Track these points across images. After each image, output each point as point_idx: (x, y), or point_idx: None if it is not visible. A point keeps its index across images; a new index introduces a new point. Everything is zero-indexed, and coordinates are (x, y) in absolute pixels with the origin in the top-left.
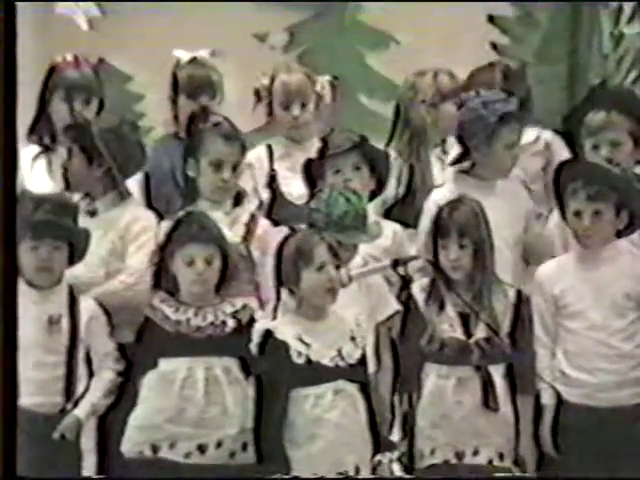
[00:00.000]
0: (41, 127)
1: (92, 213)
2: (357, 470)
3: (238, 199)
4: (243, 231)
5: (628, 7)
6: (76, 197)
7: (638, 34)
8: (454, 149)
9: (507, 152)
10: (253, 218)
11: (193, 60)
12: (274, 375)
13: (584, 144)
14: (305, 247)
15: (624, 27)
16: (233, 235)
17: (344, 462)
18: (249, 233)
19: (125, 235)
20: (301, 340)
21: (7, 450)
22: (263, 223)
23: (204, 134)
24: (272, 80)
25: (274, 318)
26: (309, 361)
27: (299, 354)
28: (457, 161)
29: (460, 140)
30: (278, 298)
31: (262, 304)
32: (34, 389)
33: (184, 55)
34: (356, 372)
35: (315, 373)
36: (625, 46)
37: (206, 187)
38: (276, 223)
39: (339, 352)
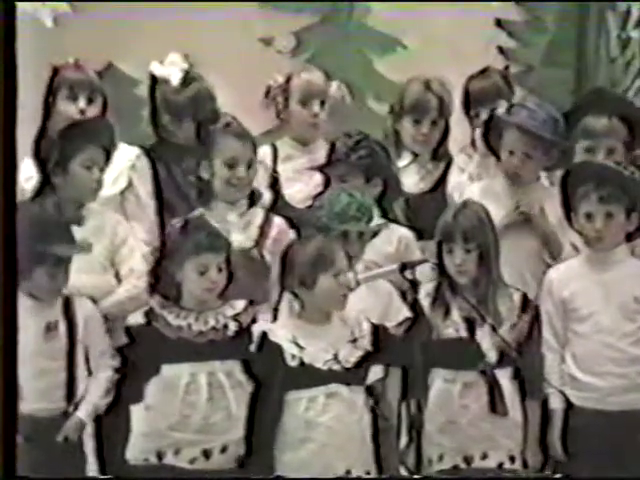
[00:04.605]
0: (49, 132)
1: (79, 222)
2: (348, 474)
3: (253, 199)
4: (256, 234)
5: (635, 10)
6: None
7: None
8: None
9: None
10: (267, 219)
11: (185, 78)
12: (268, 377)
13: (576, 144)
14: (327, 252)
15: (631, 31)
16: (246, 238)
17: (335, 466)
18: (262, 236)
19: (113, 239)
20: (296, 343)
21: (7, 450)
22: (278, 223)
23: (216, 135)
24: (288, 79)
25: (274, 320)
26: (302, 364)
27: (293, 357)
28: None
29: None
30: (279, 301)
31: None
32: (37, 397)
33: (166, 73)
34: (352, 376)
35: (308, 376)
36: (633, 50)
37: (221, 187)
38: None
39: (335, 356)
